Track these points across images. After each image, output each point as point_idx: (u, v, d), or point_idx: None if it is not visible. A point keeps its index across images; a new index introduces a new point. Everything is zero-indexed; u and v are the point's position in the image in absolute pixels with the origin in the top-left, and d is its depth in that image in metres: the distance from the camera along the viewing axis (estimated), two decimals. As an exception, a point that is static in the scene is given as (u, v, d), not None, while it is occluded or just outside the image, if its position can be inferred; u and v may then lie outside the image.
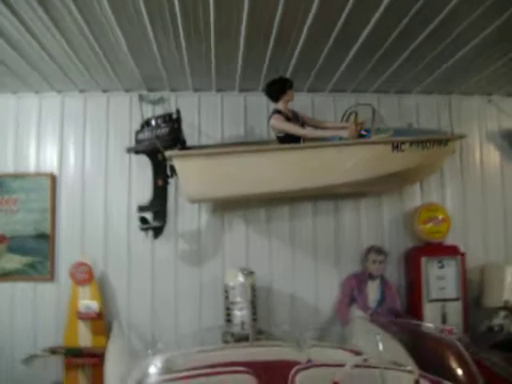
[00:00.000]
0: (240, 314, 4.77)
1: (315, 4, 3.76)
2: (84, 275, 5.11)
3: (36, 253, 5.32)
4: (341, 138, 4.65)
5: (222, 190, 4.52)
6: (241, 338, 4.64)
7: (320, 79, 5.32)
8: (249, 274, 4.90)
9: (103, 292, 5.24)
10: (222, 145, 5.32)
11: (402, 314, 5.20)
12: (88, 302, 5.06)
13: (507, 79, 5.38)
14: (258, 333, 4.82)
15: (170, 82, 5.33)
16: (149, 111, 5.35)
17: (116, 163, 5.48)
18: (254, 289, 4.89)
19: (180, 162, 4.48)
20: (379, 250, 5.34)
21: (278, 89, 4.76)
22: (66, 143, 5.47)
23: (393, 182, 5.07)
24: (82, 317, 5.00)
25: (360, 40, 4.41)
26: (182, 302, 5.37)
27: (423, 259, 5.19)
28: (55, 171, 5.41)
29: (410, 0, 3.72)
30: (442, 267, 5.19)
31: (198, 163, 4.48)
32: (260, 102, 5.53)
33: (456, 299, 5.15)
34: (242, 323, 4.73)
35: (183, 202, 5.36)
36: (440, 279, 5.18)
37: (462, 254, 5.25)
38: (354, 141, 4.52)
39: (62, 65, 4.78)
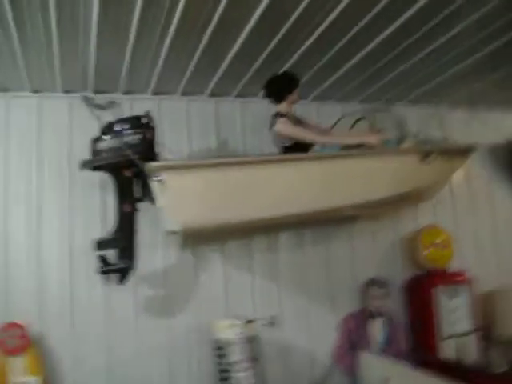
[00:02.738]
0: (244, 375, 3.72)
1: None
2: (17, 341, 3.66)
3: None
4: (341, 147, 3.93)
5: (233, 213, 3.39)
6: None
7: (307, 87, 4.54)
8: (249, 322, 3.88)
9: (44, 362, 3.79)
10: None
11: (416, 355, 4.45)
12: (25, 380, 3.62)
13: (493, 92, 5.10)
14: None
15: (126, 82, 4.17)
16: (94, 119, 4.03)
17: (52, 186, 4.15)
18: (257, 341, 3.87)
19: (173, 177, 3.26)
20: (380, 283, 4.55)
21: (283, 86, 3.85)
22: (-18, 158, 4.04)
23: (406, 201, 4.34)
24: (17, 401, 3.57)
25: (365, 50, 3.97)
26: (148, 366, 4.09)
27: (434, 290, 4.52)
28: (-35, 196, 3.93)
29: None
30: (452, 298, 4.56)
31: (200, 177, 3.32)
32: (233, 109, 4.70)
33: (469, 333, 4.54)
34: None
35: (145, 234, 4.11)
36: (452, 312, 4.53)
37: (471, 281, 4.67)
38: (391, 149, 3.81)
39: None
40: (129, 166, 3.60)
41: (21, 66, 3.73)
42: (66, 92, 4.26)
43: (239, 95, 4.66)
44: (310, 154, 3.83)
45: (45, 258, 4.05)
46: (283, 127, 3.78)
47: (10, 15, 3.07)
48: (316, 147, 4.02)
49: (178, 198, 3.33)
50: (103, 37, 3.43)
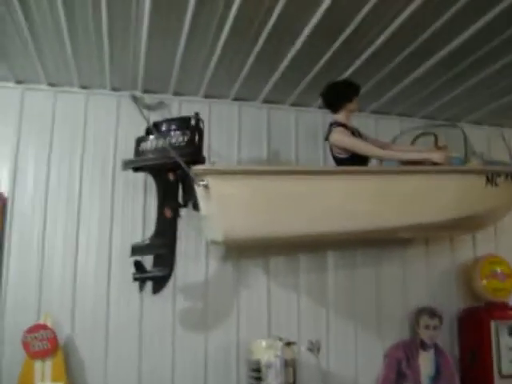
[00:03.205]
0: (278, 401, 3.45)
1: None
2: (44, 344, 3.48)
3: (-31, 310, 3.63)
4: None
5: (280, 226, 3.11)
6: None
7: (366, 99, 4.26)
8: (289, 345, 3.63)
9: (70, 368, 3.64)
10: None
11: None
12: (50, 385, 3.49)
13: None
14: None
15: (177, 82, 4.02)
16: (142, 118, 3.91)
17: (94, 185, 4.02)
18: (295, 366, 3.60)
19: (219, 183, 3.03)
20: (433, 313, 4.23)
21: (342, 94, 3.58)
22: (24, 153, 3.93)
23: (466, 226, 4.02)
24: (41, 407, 3.39)
25: (428, 64, 3.74)
26: (182, 382, 3.86)
27: (493, 324, 4.15)
28: (6, 192, 3.81)
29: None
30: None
31: (248, 185, 3.08)
32: (287, 118, 4.48)
33: (529, 374, 4.17)
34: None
35: (187, 242, 3.97)
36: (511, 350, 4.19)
37: (533, 318, 4.30)
38: (454, 168, 3.49)
39: (43, 41, 3.34)
40: (173, 168, 3.43)
41: (70, 61, 3.65)
42: (115, 90, 4.13)
43: (294, 104, 4.45)
44: (366, 167, 3.57)
45: (81, 260, 3.90)
46: (340, 137, 3.52)
47: (61, 13, 2.97)
48: (374, 161, 3.80)
49: (223, 206, 3.08)
50: (154, 36, 3.31)
